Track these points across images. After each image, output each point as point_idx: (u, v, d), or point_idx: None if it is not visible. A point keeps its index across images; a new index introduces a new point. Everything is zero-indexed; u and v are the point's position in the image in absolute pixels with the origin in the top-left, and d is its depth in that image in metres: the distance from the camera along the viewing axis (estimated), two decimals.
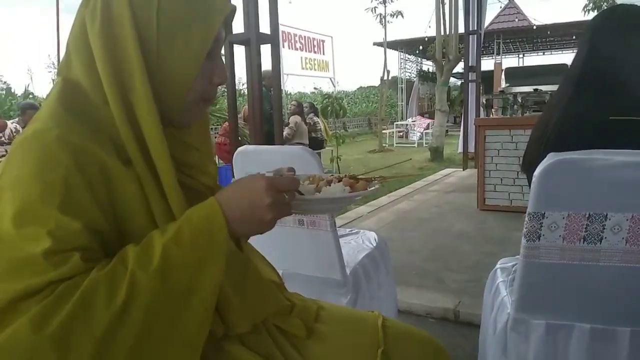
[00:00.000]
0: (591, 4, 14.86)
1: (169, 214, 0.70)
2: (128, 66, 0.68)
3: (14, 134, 4.35)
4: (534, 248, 1.16)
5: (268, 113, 6.45)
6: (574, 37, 15.74)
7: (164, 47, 0.70)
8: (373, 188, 0.84)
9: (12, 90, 16.40)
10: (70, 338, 0.55)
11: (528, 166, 1.39)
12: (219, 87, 0.81)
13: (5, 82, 17.22)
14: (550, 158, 1.10)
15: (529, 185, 1.21)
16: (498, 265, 1.58)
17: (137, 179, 0.68)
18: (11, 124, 4.45)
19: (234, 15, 0.81)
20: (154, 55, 0.70)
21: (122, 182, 0.67)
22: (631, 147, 1.09)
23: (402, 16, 13.95)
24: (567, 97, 1.38)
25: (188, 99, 0.74)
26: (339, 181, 0.85)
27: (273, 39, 2.56)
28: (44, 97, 16.01)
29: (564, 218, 1.12)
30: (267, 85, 6.09)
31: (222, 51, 0.85)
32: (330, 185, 0.83)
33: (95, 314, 0.57)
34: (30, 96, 15.47)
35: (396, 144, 14.21)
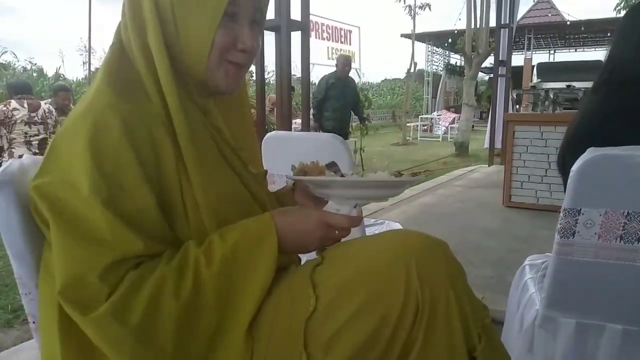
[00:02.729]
0: (623, 3, 14.40)
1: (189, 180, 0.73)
2: (148, 34, 0.73)
3: (47, 114, 4.44)
4: (567, 245, 1.13)
5: (352, 101, 6.14)
6: (608, 34, 15.28)
7: (179, 13, 0.73)
8: (418, 177, 0.84)
9: (44, 72, 16.78)
10: (150, 328, 0.64)
11: (558, 164, 1.37)
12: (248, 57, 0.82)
13: (36, 64, 17.62)
14: (589, 153, 1.07)
15: (563, 185, 1.19)
16: (527, 262, 1.55)
17: (172, 141, 0.72)
18: (44, 105, 4.55)
19: None
20: (170, 19, 0.73)
21: (162, 146, 0.71)
22: None
23: (430, 9, 13.76)
24: (596, 95, 1.36)
25: (210, 62, 0.76)
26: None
27: (303, 26, 2.55)
28: (75, 79, 16.37)
29: (600, 215, 1.09)
30: (341, 74, 5.91)
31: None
32: (375, 173, 0.84)
33: (166, 304, 0.65)
34: (61, 78, 15.81)
35: (420, 137, 14.08)
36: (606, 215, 1.09)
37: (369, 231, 1.89)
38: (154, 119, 0.71)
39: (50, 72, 16.82)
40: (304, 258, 1.00)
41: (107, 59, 0.76)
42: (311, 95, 7.83)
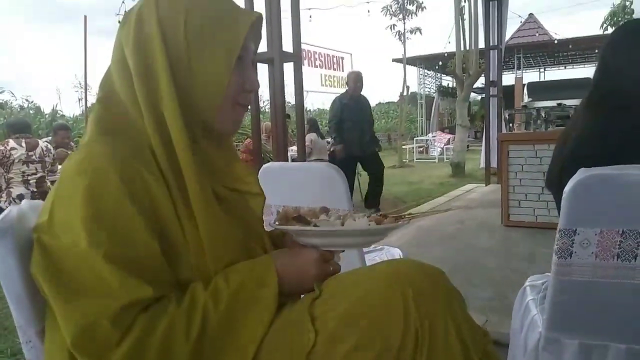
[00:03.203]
0: (608, 21, 14.71)
1: (194, 220, 0.73)
2: (158, 81, 0.73)
3: (45, 152, 4.46)
4: (565, 265, 1.14)
5: (366, 122, 5.67)
6: (595, 51, 15.55)
7: (194, 59, 0.74)
8: (401, 223, 0.84)
9: (42, 110, 16.91)
10: None
11: (550, 184, 1.38)
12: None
13: (32, 102, 17.77)
14: (581, 173, 1.09)
15: (556, 202, 1.20)
16: (527, 283, 1.55)
17: (167, 185, 0.72)
18: (42, 143, 4.57)
19: (261, 23, 0.84)
20: (184, 68, 0.74)
21: (157, 190, 0.71)
22: None
23: (421, 33, 14.01)
24: (583, 115, 1.38)
25: (223, 106, 0.79)
26: (367, 217, 0.85)
27: (296, 58, 2.60)
28: (72, 115, 16.48)
29: (596, 234, 1.10)
30: (354, 93, 5.47)
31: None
32: (355, 220, 0.84)
33: (178, 345, 0.67)
34: (58, 114, 15.92)
35: (416, 159, 14.14)
36: (602, 235, 1.09)
37: (368, 257, 1.88)
38: (148, 164, 0.72)
39: (47, 110, 16.95)
40: None
41: (97, 109, 0.77)
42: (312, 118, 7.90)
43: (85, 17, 5.82)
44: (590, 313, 1.18)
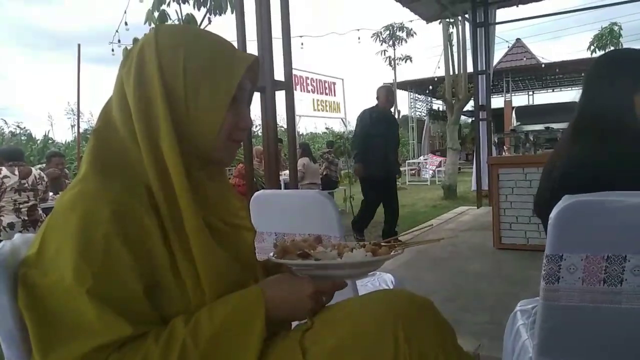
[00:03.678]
0: (595, 43, 15.06)
1: (190, 254, 0.74)
2: (157, 119, 0.76)
3: (38, 180, 4.44)
4: (553, 290, 1.15)
5: (394, 141, 5.08)
6: (582, 74, 15.86)
7: (191, 98, 0.77)
8: (395, 254, 0.86)
9: (33, 136, 16.89)
10: None
11: (539, 209, 1.40)
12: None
13: (24, 128, 17.76)
14: (565, 200, 1.11)
15: (544, 226, 1.22)
16: (518, 308, 1.56)
17: (161, 219, 0.74)
18: (35, 171, 4.56)
19: (258, 65, 0.87)
20: (182, 106, 0.77)
21: (150, 225, 0.72)
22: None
23: (411, 61, 14.27)
24: (568, 142, 1.41)
25: (217, 142, 0.81)
26: (362, 247, 0.88)
27: (287, 86, 2.64)
28: (64, 142, 16.44)
29: (582, 260, 1.12)
30: (384, 107, 4.93)
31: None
32: (352, 252, 0.86)
33: None
34: (50, 141, 15.90)
35: (409, 182, 14.21)
36: (587, 260, 1.11)
37: (360, 283, 1.89)
38: (141, 198, 0.73)
39: (38, 136, 16.93)
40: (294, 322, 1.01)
41: (94, 141, 0.78)
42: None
43: (79, 45, 5.87)
44: (579, 337, 1.19)
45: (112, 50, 4.44)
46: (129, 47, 3.99)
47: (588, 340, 1.18)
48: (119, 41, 4.59)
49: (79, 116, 7.00)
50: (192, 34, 0.82)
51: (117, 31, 4.48)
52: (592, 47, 16.33)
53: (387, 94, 5.01)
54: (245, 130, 0.87)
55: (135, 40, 3.85)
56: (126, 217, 0.70)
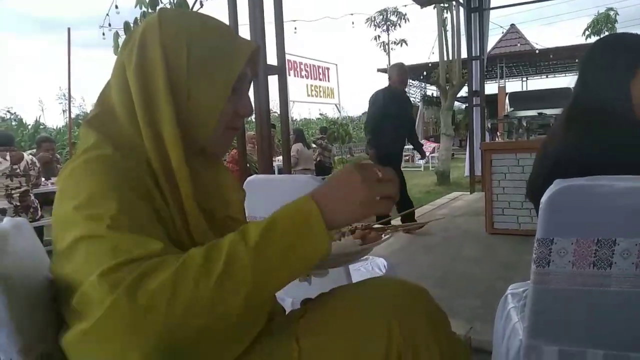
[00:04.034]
0: (591, 29, 15.04)
1: (190, 234, 0.75)
2: (158, 102, 0.75)
3: (30, 165, 4.41)
4: (544, 274, 1.17)
5: (410, 124, 4.82)
6: (576, 60, 15.86)
7: (193, 86, 0.77)
8: (386, 238, 0.86)
9: (24, 122, 16.72)
10: (157, 306, 0.57)
11: (531, 194, 1.41)
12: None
13: (14, 113, 17.59)
14: (556, 185, 1.12)
15: (537, 211, 1.23)
16: (509, 291, 1.57)
17: (165, 199, 0.74)
18: (27, 156, 4.52)
19: (258, 53, 0.87)
20: (183, 93, 0.77)
21: (156, 200, 0.72)
22: None
23: (406, 44, 14.21)
24: (563, 128, 1.42)
25: (217, 129, 0.81)
26: (352, 233, 0.87)
27: (280, 71, 2.62)
28: (55, 127, 16.31)
29: (572, 244, 1.13)
30: (398, 87, 4.58)
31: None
32: (341, 240, 0.85)
33: (189, 283, 0.58)
34: (41, 127, 15.75)
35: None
36: (578, 244, 1.13)
37: (352, 267, 1.90)
38: (148, 173, 0.73)
39: (30, 122, 16.77)
40: (288, 307, 1.02)
41: (92, 124, 0.77)
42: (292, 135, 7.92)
43: (69, 29, 5.79)
44: (568, 320, 1.21)
45: (103, 34, 4.36)
46: (120, 32, 3.94)
47: (578, 323, 1.20)
48: (110, 25, 4.52)
49: (70, 101, 6.92)
50: (196, 21, 0.81)
51: (107, 15, 4.41)
52: (587, 33, 16.32)
53: (399, 72, 4.62)
54: (245, 117, 0.87)
55: (127, 24, 3.80)
56: (135, 178, 0.70)
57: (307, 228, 0.63)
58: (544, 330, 1.23)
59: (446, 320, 0.78)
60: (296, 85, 11.50)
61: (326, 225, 0.64)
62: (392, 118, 4.46)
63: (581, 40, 16.22)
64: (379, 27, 14.16)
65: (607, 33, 13.73)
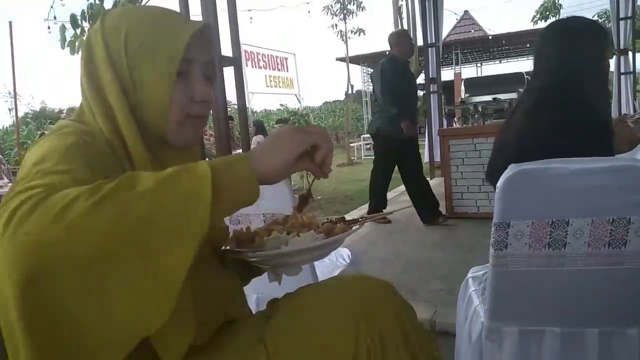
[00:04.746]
0: (539, 15, 15.51)
1: None
2: (108, 96, 0.76)
3: None
4: (502, 257, 1.19)
5: (413, 92, 4.27)
6: (527, 45, 16.35)
7: (135, 72, 0.75)
8: (356, 228, 0.83)
9: None
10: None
11: (492, 177, 1.43)
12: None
13: None
14: (510, 169, 1.14)
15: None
16: (469, 275, 1.61)
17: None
18: None
19: (208, 32, 0.83)
20: (128, 80, 0.76)
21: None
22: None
23: (364, 34, 14.24)
24: (522, 114, 1.44)
25: (172, 118, 0.78)
26: (317, 228, 0.83)
27: (236, 62, 2.56)
28: (2, 127, 15.49)
29: (528, 226, 1.16)
30: (402, 56, 4.16)
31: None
32: (299, 235, 0.81)
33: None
34: None
35: (364, 156, 14.36)
36: (533, 226, 1.15)
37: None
38: (108, 156, 0.73)
39: None
40: (252, 304, 1.00)
41: (64, 123, 0.78)
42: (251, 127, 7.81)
43: (10, 22, 5.50)
44: (527, 301, 1.24)
45: (49, 27, 4.16)
46: (66, 25, 3.76)
47: (536, 303, 1.24)
48: (55, 17, 4.31)
49: (16, 99, 6.62)
50: (136, 11, 0.80)
51: (52, 7, 4.20)
52: (536, 19, 16.84)
53: (399, 38, 4.21)
54: (203, 103, 0.80)
55: (73, 16, 3.63)
56: (98, 157, 0.70)
57: (234, 171, 0.61)
58: (504, 312, 1.26)
59: (412, 312, 0.79)
60: (255, 76, 11.37)
61: (258, 172, 0.63)
62: (405, 91, 4.11)
63: (530, 26, 16.68)
64: (336, 15, 14.14)
65: (553, 18, 14.20)
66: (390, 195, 6.16)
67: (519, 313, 1.25)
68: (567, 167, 1.11)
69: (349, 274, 1.29)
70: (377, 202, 4.51)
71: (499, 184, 1.14)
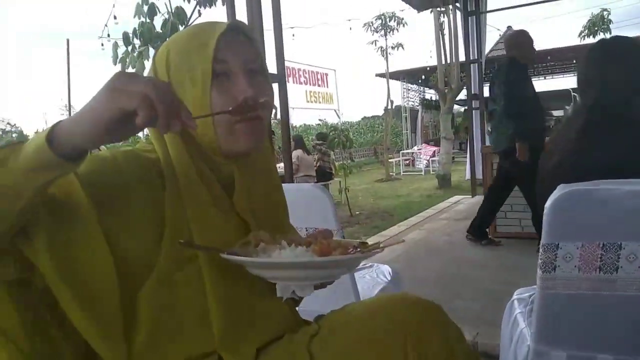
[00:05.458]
0: (586, 30, 15.06)
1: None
2: None
3: None
4: (550, 279, 1.16)
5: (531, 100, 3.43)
6: (573, 62, 15.88)
7: (179, 90, 0.76)
8: (352, 256, 0.73)
9: (24, 133, 16.79)
10: None
11: (542, 198, 1.41)
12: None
13: (14, 125, 17.65)
14: (560, 190, 1.12)
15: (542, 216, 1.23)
16: (515, 296, 1.57)
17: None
18: None
19: (237, 31, 0.79)
20: None
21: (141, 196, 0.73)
22: None
23: (403, 48, 14.23)
24: (577, 131, 1.41)
25: (218, 127, 0.77)
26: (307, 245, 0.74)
27: (280, 78, 2.63)
28: None
29: (578, 248, 1.13)
30: (520, 60, 3.50)
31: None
32: (298, 247, 0.73)
33: None
34: None
35: (403, 172, 14.24)
36: (583, 248, 1.12)
37: (358, 275, 1.90)
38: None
39: (31, 133, 16.83)
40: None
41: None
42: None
43: (67, 40, 5.82)
44: (576, 325, 1.21)
45: (102, 44, 4.37)
46: (119, 42, 3.94)
47: (585, 327, 1.20)
48: (109, 35, 4.53)
49: (70, 112, 6.95)
50: (178, 33, 0.83)
51: (106, 25, 4.42)
52: (584, 34, 16.37)
53: (520, 38, 3.60)
54: (249, 99, 0.74)
55: (126, 34, 3.80)
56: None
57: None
58: (551, 336, 1.23)
59: (460, 335, 0.77)
60: (295, 92, 11.53)
61: (61, 127, 0.56)
62: (532, 100, 3.43)
63: (577, 42, 16.22)
64: (376, 31, 14.21)
65: (602, 34, 13.75)
66: (429, 212, 6.08)
67: (567, 338, 1.22)
68: (619, 188, 1.08)
69: (393, 292, 1.27)
70: (479, 233, 4.01)
71: (548, 204, 1.12)
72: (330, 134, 8.69)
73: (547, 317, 1.21)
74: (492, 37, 18.24)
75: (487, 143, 6.61)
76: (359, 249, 0.76)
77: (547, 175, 1.47)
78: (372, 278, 1.91)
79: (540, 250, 1.16)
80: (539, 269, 1.17)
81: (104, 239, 0.67)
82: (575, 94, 8.26)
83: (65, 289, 0.65)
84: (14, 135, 16.62)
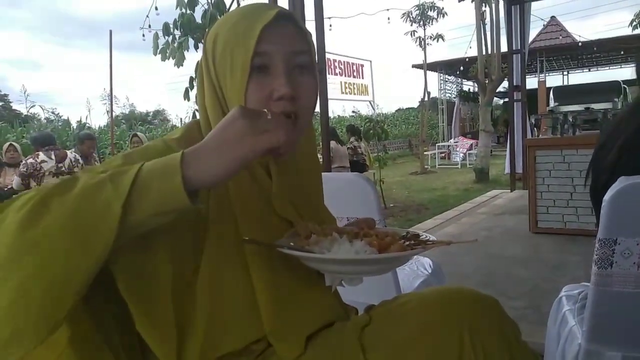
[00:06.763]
0: (638, 20, 14.35)
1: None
2: (206, 102, 0.79)
3: (74, 163, 4.56)
4: (606, 275, 1.12)
5: None
6: (621, 52, 15.21)
7: (220, 78, 0.76)
8: (413, 251, 0.70)
9: (69, 122, 17.41)
10: None
11: (598, 191, 1.34)
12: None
13: (58, 114, 18.31)
14: (621, 182, 1.07)
15: (596, 210, 1.18)
16: (563, 293, 1.52)
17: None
18: (70, 154, 4.68)
19: (285, 22, 0.74)
20: (217, 86, 0.77)
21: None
22: None
23: (443, 39, 13.94)
24: (627, 121, 1.34)
25: None
26: (361, 237, 0.72)
27: (320, 69, 2.62)
28: (98, 127, 16.90)
29: (638, 244, 1.08)
30: None
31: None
32: (352, 242, 0.71)
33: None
34: (87, 126, 16.35)
35: (438, 165, 14.02)
36: None
37: (399, 267, 1.87)
38: None
39: (74, 121, 17.46)
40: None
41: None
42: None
43: (110, 31, 5.95)
44: (633, 324, 1.15)
45: (143, 35, 4.44)
46: (159, 33, 4.01)
47: None
48: (150, 26, 4.61)
49: (112, 101, 7.14)
50: (228, 13, 0.80)
51: (147, 16, 4.50)
52: (635, 23, 15.58)
53: None
54: (285, 100, 0.71)
55: (166, 25, 3.86)
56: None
57: (162, 181, 0.56)
58: (605, 335, 1.18)
59: (517, 330, 0.75)
60: (330, 83, 11.49)
61: (191, 180, 0.56)
62: None
63: (627, 32, 15.48)
64: (415, 22, 13.94)
65: None
66: (467, 206, 5.97)
67: (623, 337, 1.16)
68: None
69: (448, 286, 1.24)
70: None
71: (607, 197, 1.07)
72: (365, 125, 8.61)
73: (601, 315, 1.16)
74: (535, 27, 17.72)
75: (529, 136, 6.44)
76: (412, 242, 0.74)
77: (603, 170, 1.40)
78: (412, 270, 1.89)
79: (597, 245, 1.11)
80: (594, 264, 1.12)
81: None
82: (626, 86, 7.89)
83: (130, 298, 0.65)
84: (59, 123, 17.23)
